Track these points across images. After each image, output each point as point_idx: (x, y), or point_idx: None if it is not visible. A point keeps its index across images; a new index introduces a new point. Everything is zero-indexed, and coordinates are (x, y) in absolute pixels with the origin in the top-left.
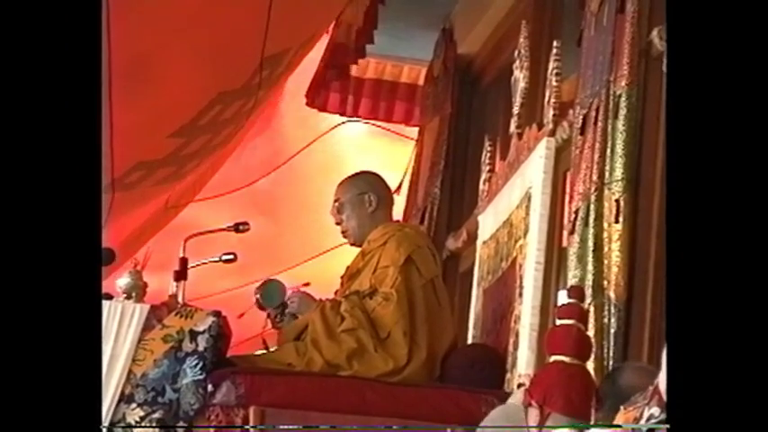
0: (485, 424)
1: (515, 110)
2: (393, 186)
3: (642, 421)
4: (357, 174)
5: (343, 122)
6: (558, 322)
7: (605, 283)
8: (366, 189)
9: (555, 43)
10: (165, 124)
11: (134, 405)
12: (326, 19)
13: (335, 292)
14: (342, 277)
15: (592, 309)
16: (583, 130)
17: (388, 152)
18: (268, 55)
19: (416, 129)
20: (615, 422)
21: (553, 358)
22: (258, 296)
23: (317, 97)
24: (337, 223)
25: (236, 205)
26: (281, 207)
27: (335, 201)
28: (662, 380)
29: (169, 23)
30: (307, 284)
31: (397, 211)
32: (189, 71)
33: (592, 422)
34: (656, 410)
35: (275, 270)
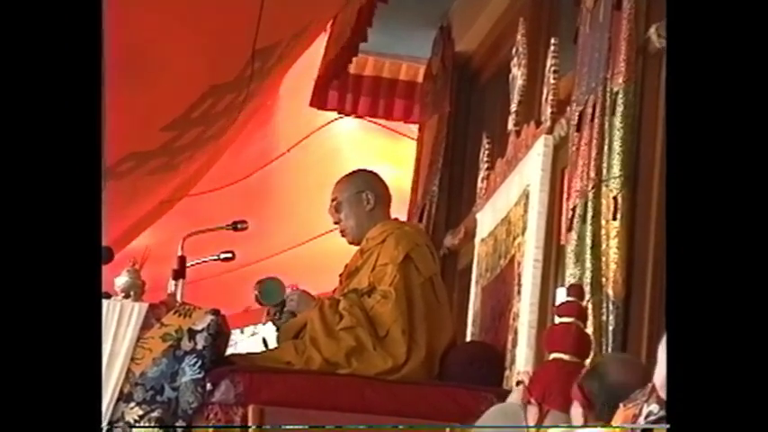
0: (482, 422)
1: (513, 107)
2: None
3: (641, 418)
4: (354, 172)
5: (337, 118)
6: (558, 320)
7: (603, 280)
8: (363, 187)
9: (552, 40)
10: (157, 117)
11: (133, 404)
12: (319, 12)
13: (334, 290)
14: (340, 275)
15: (590, 306)
16: (579, 128)
17: (382, 147)
18: (260, 47)
19: (411, 124)
20: (614, 420)
21: (552, 356)
22: (257, 293)
23: (317, 96)
24: (336, 222)
25: (233, 198)
26: (277, 200)
27: (333, 200)
28: (658, 375)
29: (163, 16)
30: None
31: (402, 211)
32: (182, 64)
33: (583, 423)
34: (654, 407)
35: (266, 255)
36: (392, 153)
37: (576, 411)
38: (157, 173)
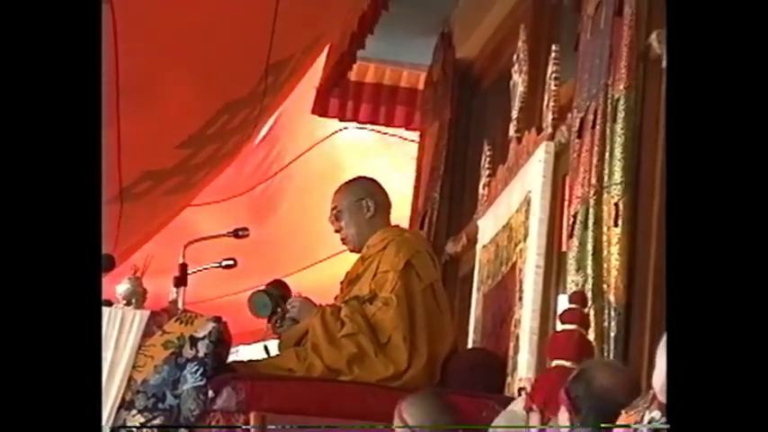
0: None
1: (514, 114)
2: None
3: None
4: (353, 180)
5: (341, 129)
6: (560, 327)
7: (605, 286)
8: (363, 195)
9: (553, 47)
10: (171, 135)
11: (134, 411)
12: (329, 25)
13: (335, 298)
14: (341, 283)
15: (591, 313)
16: (580, 134)
17: (388, 154)
18: (273, 62)
19: (412, 131)
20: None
21: (555, 363)
22: (249, 310)
23: (319, 104)
24: (336, 230)
25: (235, 210)
26: (280, 211)
27: (333, 208)
28: (657, 379)
29: (174, 36)
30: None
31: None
32: (195, 82)
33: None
34: (656, 414)
35: (274, 275)
36: (396, 158)
37: (563, 416)
38: (175, 192)
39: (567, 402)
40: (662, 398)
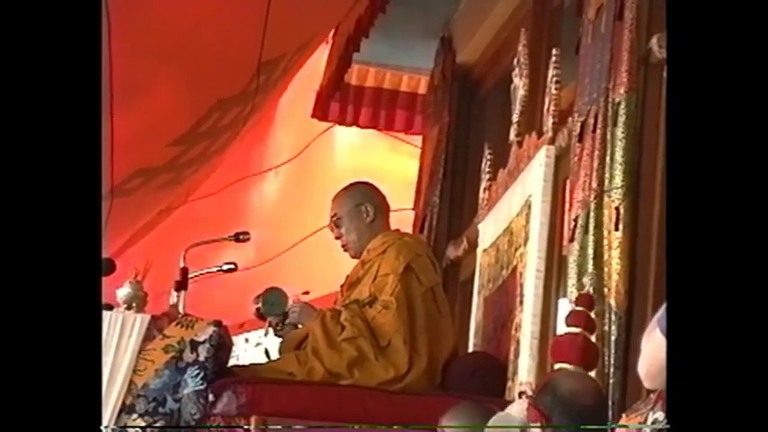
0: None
1: (515, 118)
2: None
3: (646, 428)
4: (351, 185)
5: (330, 126)
6: (566, 330)
7: (605, 290)
8: (362, 200)
9: (554, 51)
10: (163, 133)
11: (135, 415)
12: (323, 25)
13: (335, 302)
14: (341, 286)
15: (592, 316)
16: (581, 138)
17: (384, 155)
18: (265, 60)
19: (412, 136)
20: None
21: (557, 366)
22: (258, 305)
23: (319, 108)
24: (337, 237)
25: (229, 205)
26: (272, 206)
27: (332, 216)
28: (641, 366)
29: (166, 34)
30: (306, 293)
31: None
32: (186, 80)
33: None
34: (660, 415)
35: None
36: (394, 161)
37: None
38: (165, 188)
39: (538, 416)
40: (647, 384)
